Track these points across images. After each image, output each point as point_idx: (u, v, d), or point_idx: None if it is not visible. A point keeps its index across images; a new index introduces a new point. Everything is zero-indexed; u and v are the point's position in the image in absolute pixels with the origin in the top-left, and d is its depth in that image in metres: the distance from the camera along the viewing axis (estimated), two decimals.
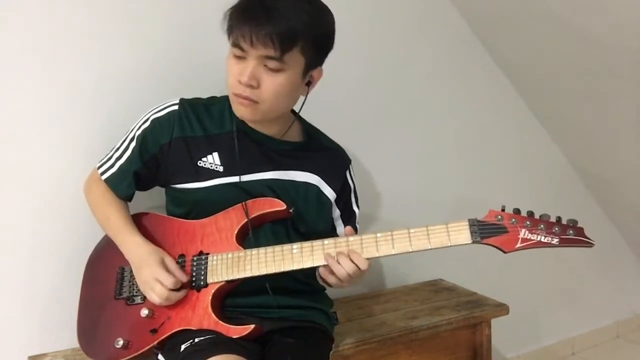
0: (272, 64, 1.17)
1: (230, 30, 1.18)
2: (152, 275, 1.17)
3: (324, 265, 1.16)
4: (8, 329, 1.43)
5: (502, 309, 1.74)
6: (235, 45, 1.18)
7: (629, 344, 2.68)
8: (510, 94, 2.29)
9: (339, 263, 1.14)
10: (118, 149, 1.32)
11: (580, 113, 2.19)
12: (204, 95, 1.38)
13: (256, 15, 1.14)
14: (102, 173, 1.32)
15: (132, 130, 1.31)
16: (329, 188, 1.37)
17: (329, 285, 1.22)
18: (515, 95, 2.30)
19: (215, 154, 1.28)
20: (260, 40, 1.14)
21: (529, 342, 2.43)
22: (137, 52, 1.53)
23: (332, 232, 1.40)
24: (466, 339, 1.72)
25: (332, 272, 1.16)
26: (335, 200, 1.39)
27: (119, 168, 1.30)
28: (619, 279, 2.72)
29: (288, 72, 1.19)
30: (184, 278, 1.20)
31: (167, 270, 1.19)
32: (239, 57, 1.19)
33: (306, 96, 1.30)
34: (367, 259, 1.15)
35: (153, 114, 1.30)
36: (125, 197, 1.32)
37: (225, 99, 1.35)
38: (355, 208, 1.44)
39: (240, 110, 1.23)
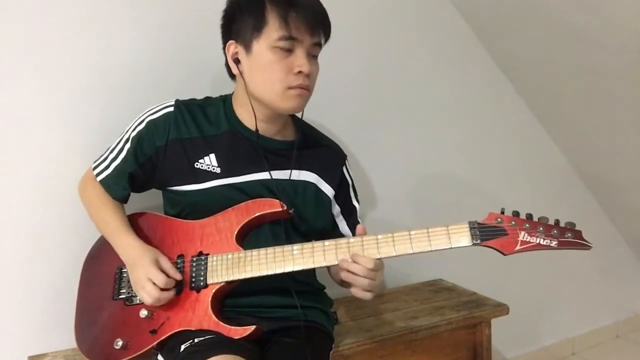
0: (316, 50, 1.24)
1: (283, 23, 1.16)
2: (145, 274, 1.17)
3: (352, 286, 1.16)
4: (8, 329, 1.44)
5: (502, 309, 1.74)
6: (287, 38, 1.17)
7: (629, 344, 2.68)
8: (510, 94, 2.29)
9: (352, 273, 1.13)
10: (113, 149, 1.32)
11: (580, 113, 2.19)
12: (202, 95, 1.38)
13: (308, 2, 1.19)
14: (98, 174, 1.32)
15: (127, 132, 1.31)
16: (326, 185, 1.37)
17: (367, 298, 1.18)
18: (515, 95, 2.30)
19: (212, 156, 1.28)
20: (322, 27, 1.21)
21: (529, 342, 2.44)
22: (135, 52, 1.53)
23: (332, 230, 1.40)
24: (466, 339, 1.72)
25: (358, 288, 1.15)
26: (334, 197, 1.39)
27: (114, 169, 1.30)
28: (619, 279, 2.72)
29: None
30: (177, 276, 1.20)
31: (161, 269, 1.19)
32: (286, 50, 1.19)
33: None
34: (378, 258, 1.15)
35: (148, 116, 1.29)
36: (121, 199, 1.32)
37: (219, 100, 1.35)
38: (355, 203, 1.44)
39: (297, 101, 1.23)
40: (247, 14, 1.20)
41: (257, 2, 1.19)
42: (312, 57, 1.23)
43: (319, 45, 1.24)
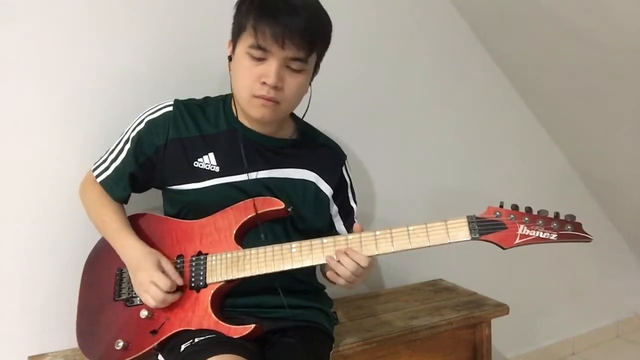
0: (296, 64, 1.19)
1: (253, 32, 1.15)
2: (148, 277, 1.17)
3: (330, 270, 1.16)
4: (8, 329, 1.43)
5: (502, 309, 1.74)
6: (257, 47, 1.16)
7: (629, 344, 2.68)
8: (510, 94, 2.29)
9: (340, 263, 1.14)
10: (113, 151, 1.32)
11: (580, 113, 2.19)
12: (202, 96, 1.38)
13: (286, 15, 1.14)
14: (98, 175, 1.31)
15: (126, 132, 1.31)
16: (325, 184, 1.37)
17: (340, 286, 1.19)
18: (515, 95, 2.30)
19: (211, 155, 1.28)
20: (294, 42, 1.15)
21: (529, 342, 2.43)
22: (135, 53, 1.53)
23: (330, 229, 1.40)
24: (466, 339, 1.72)
25: (337, 274, 1.15)
26: (333, 196, 1.38)
27: (114, 170, 1.30)
28: (619, 279, 2.72)
29: (306, 72, 1.23)
30: (179, 281, 1.20)
31: (163, 272, 1.19)
32: (258, 59, 1.18)
33: (310, 95, 1.31)
34: (369, 256, 1.14)
35: (147, 116, 1.30)
36: (121, 200, 1.32)
37: (219, 100, 1.35)
38: (353, 204, 1.44)
39: (262, 111, 1.22)
40: (237, 16, 1.22)
41: (245, 8, 1.19)
42: (292, 70, 1.20)
43: (298, 60, 1.19)
